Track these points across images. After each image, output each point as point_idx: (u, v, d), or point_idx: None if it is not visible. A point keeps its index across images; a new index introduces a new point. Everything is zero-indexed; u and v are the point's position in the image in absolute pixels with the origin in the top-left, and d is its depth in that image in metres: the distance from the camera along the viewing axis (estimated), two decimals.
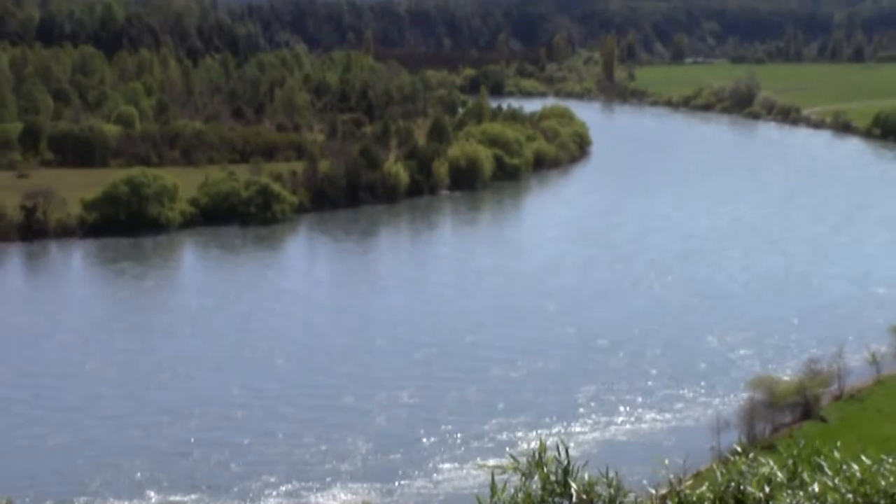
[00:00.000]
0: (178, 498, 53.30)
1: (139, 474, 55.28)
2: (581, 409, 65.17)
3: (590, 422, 63.07)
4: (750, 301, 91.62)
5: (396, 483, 54.62)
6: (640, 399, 67.50)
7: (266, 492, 54.07)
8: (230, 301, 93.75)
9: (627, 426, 63.47)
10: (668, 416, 65.37)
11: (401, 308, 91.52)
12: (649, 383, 70.18)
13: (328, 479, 55.30)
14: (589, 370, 72.68)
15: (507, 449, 56.86)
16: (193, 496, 53.71)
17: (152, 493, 53.28)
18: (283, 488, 54.47)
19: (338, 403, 66.30)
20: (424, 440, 60.54)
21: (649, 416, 65.03)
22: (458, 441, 60.31)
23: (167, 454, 57.97)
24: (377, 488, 53.58)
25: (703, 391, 68.89)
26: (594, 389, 68.68)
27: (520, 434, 60.94)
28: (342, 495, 52.89)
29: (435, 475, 55.99)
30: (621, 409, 65.72)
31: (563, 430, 59.83)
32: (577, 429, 61.72)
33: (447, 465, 57.27)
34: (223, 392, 68.10)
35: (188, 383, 70.46)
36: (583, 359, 75.43)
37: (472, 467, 56.69)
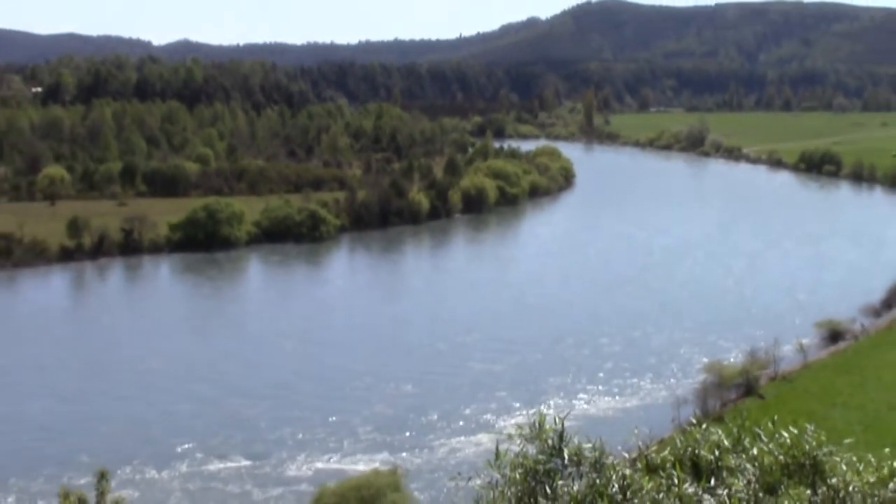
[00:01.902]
0: (211, 467, 52.88)
1: (178, 449, 54.64)
2: (554, 394, 63.91)
3: (563, 404, 61.37)
4: (695, 306, 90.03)
5: (398, 455, 53.74)
6: (604, 385, 66.46)
7: (287, 463, 53.47)
8: (270, 307, 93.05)
9: (597, 406, 62.39)
10: (628, 397, 64.54)
11: (406, 313, 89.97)
12: (611, 373, 68.95)
13: (340, 454, 54.58)
14: (561, 363, 71.28)
15: (496, 425, 57.21)
16: (227, 465, 53.28)
17: (185, 466, 52.63)
18: (300, 457, 53.92)
19: (347, 393, 65.10)
20: (423, 420, 59.63)
21: (611, 398, 64.00)
22: (447, 423, 59.33)
23: (201, 434, 57.16)
24: (381, 459, 52.74)
25: (652, 379, 67.97)
26: (567, 378, 67.62)
27: (498, 416, 60.02)
28: (353, 465, 52.19)
29: (428, 449, 55.18)
30: (590, 393, 64.65)
31: (539, 412, 58.18)
32: (552, 410, 61.04)
33: (439, 441, 56.41)
34: (250, 384, 67.08)
35: (222, 376, 69.31)
36: (555, 355, 73.79)
37: (457, 442, 56.24)
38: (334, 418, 59.89)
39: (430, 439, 56.74)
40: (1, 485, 50.30)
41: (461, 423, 59.36)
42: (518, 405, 61.81)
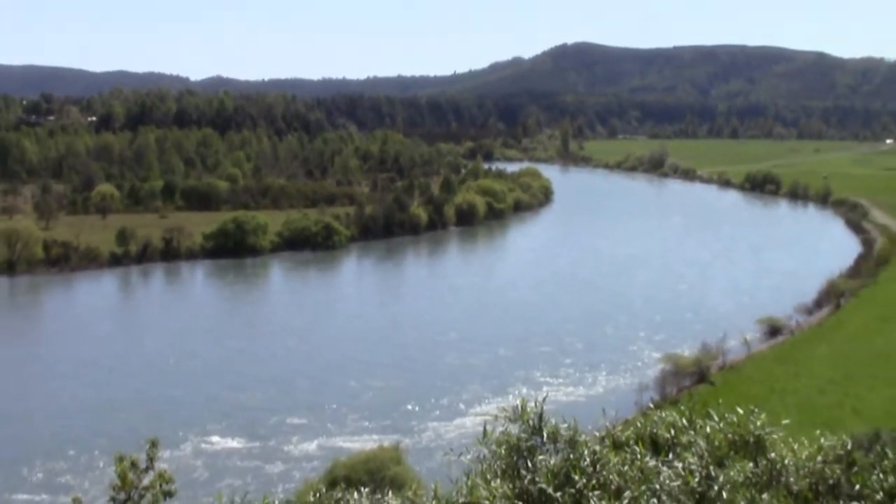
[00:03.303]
0: (219, 447, 52.49)
1: (189, 432, 53.75)
2: (522, 385, 62.40)
3: (529, 393, 59.87)
4: (651, 308, 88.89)
5: (385, 438, 52.40)
6: (568, 376, 65.81)
7: (285, 445, 53.07)
8: (282, 308, 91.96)
9: (567, 393, 61.52)
10: (589, 386, 63.76)
11: (398, 314, 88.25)
12: (574, 366, 68.23)
13: (333, 437, 54.05)
14: (529, 358, 70.26)
15: (469, 412, 57.16)
16: (234, 445, 52.87)
17: (196, 446, 52.04)
18: (295, 439, 53.55)
19: (340, 385, 63.93)
20: (406, 408, 58.92)
21: (576, 387, 63.18)
22: (427, 410, 58.68)
23: (209, 419, 56.32)
24: (369, 440, 51.77)
25: (610, 370, 67.34)
26: (535, 372, 66.72)
27: (469, 406, 59.20)
28: (346, 445, 51.61)
29: (411, 433, 54.39)
30: (552, 385, 62.95)
31: (522, 397, 56.29)
32: (521, 398, 58.65)
33: (421, 426, 55.71)
34: (255, 378, 65.68)
35: (232, 370, 68.04)
36: (524, 351, 72.51)
37: (435, 427, 55.58)
38: (328, 407, 59.16)
39: (412, 425, 56.06)
40: (28, 463, 49.91)
41: (438, 411, 58.69)
42: (488, 395, 61.03)
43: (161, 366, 69.83)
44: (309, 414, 57.97)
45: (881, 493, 8.78)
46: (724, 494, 8.69)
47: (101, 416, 58.11)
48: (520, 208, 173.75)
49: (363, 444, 50.46)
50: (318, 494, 9.53)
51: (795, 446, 9.62)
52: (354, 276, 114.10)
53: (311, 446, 52.96)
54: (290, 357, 72.57)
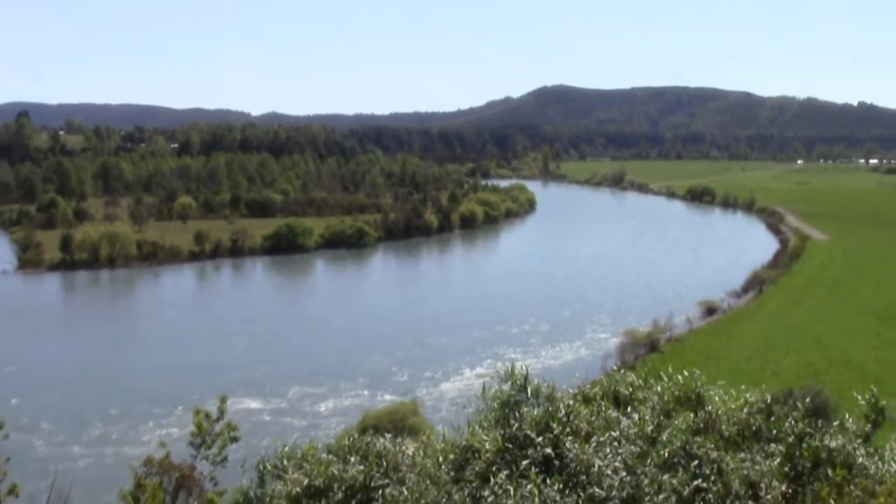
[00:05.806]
0: (248, 405, 50.68)
1: (218, 394, 51.77)
2: (496, 359, 58.13)
3: (502, 366, 57.08)
4: (605, 297, 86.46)
5: (382, 398, 51.49)
6: (535, 350, 64.39)
7: (304, 404, 52.38)
8: (318, 297, 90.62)
9: (535, 363, 58.65)
10: (554, 358, 62.62)
11: (401, 301, 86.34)
12: (540, 343, 66.88)
13: (340, 399, 53.19)
14: (503, 338, 68.39)
15: (446, 383, 55.73)
16: (257, 406, 51.65)
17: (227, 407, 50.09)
18: (310, 400, 52.94)
19: (344, 361, 61.79)
20: (397, 378, 57.73)
21: (544, 358, 61.88)
22: (416, 379, 57.50)
23: (236, 383, 53.74)
24: (379, 400, 50.61)
25: (569, 344, 66.68)
26: (506, 349, 64.61)
27: (448, 377, 57.88)
28: (360, 402, 50.49)
29: (401, 395, 52.43)
30: (525, 357, 59.90)
31: (511, 362, 53.90)
32: (492, 371, 56.66)
33: (413, 393, 53.75)
34: (278, 352, 64.58)
35: (256, 349, 65.47)
36: (498, 332, 70.40)
37: (423, 392, 54.12)
38: (336, 378, 57.37)
39: (404, 392, 54.31)
40: (86, 420, 48.58)
41: (424, 381, 57.36)
42: (465, 368, 59.92)
43: (209, 343, 68.60)
44: (324, 382, 56.58)
45: (793, 437, 8.81)
46: (666, 438, 8.69)
47: (146, 382, 56.69)
48: (510, 215, 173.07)
49: (372, 404, 49.21)
50: (351, 439, 9.57)
51: (727, 400, 9.63)
52: (378, 269, 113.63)
53: (322, 408, 51.88)
54: (311, 336, 70.64)
